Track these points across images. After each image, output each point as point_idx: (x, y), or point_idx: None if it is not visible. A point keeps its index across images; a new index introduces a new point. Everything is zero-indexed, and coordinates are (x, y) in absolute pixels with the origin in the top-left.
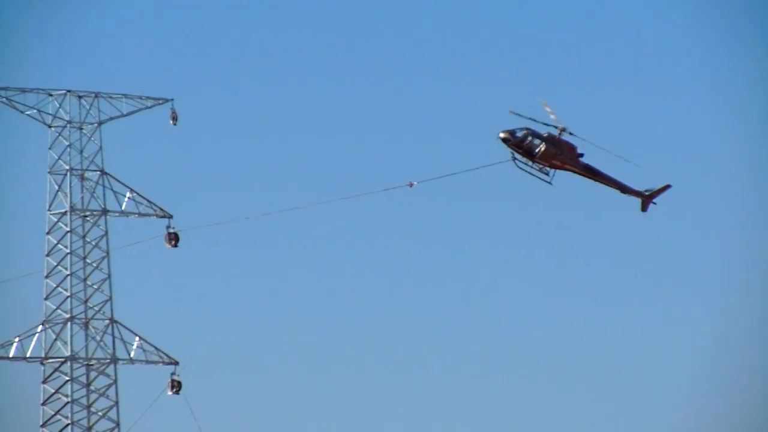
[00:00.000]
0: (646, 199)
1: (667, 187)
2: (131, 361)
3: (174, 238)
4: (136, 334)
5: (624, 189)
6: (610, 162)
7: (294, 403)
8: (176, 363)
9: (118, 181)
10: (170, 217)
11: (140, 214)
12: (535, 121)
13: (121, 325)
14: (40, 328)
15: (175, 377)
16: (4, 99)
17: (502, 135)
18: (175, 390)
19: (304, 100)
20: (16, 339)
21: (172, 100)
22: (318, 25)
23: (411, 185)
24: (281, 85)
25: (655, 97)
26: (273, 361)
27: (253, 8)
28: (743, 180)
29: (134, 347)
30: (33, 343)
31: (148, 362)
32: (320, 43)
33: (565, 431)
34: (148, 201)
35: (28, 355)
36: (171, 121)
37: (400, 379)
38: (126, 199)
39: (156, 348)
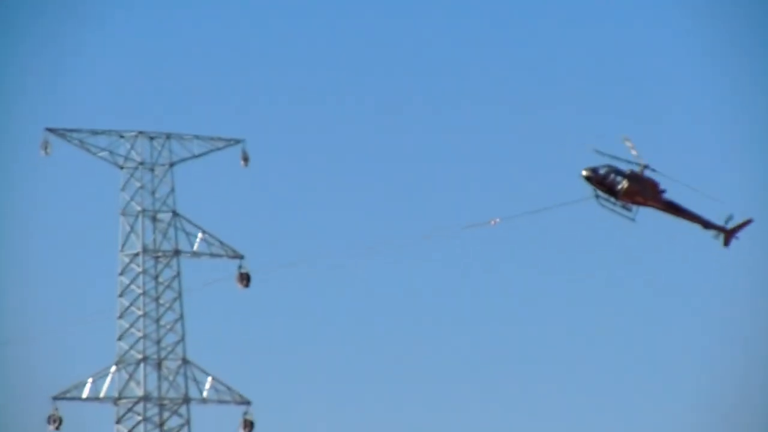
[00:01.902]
0: (729, 233)
1: (749, 221)
2: (204, 400)
3: (245, 279)
4: (209, 374)
5: (706, 224)
6: (692, 196)
7: None
8: (248, 403)
9: (190, 222)
10: (241, 257)
11: (212, 255)
12: (618, 159)
13: (194, 365)
14: (113, 368)
15: (248, 417)
16: (77, 141)
17: (584, 173)
18: (247, 430)
19: (378, 136)
20: (90, 380)
21: (243, 140)
22: (391, 68)
23: (494, 222)
24: (354, 123)
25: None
26: (345, 401)
27: (328, 48)
28: None
29: (207, 387)
30: (106, 383)
31: (220, 402)
32: (391, 81)
33: None
34: (220, 242)
35: (101, 396)
36: (242, 162)
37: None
38: (198, 239)
39: (228, 388)
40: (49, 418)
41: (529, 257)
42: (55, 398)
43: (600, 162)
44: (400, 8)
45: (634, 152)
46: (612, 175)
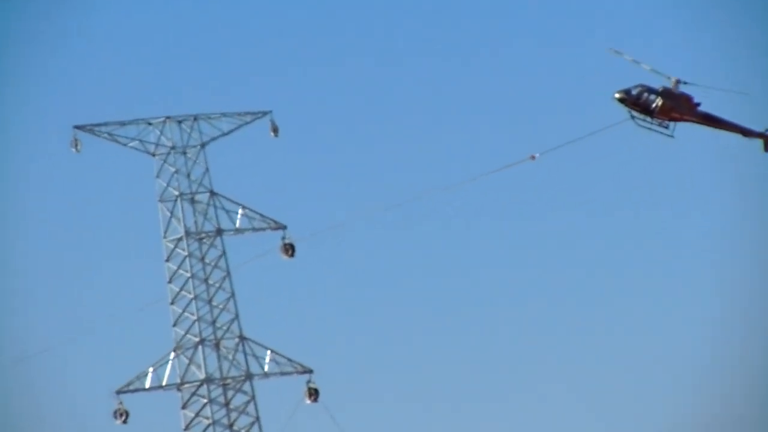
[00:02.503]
0: None
1: None
2: (266, 375)
3: (290, 249)
4: (268, 348)
5: (746, 132)
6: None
7: (428, 402)
8: (310, 371)
9: (229, 199)
10: (284, 227)
11: (255, 229)
12: (636, 62)
13: (252, 341)
14: (172, 355)
15: (312, 385)
16: (106, 134)
17: (617, 95)
18: (313, 398)
19: (407, 88)
20: (150, 369)
21: (271, 112)
22: (424, 26)
23: (533, 158)
24: (384, 78)
25: None
26: (404, 360)
27: (347, 12)
28: None
29: (267, 361)
30: (167, 371)
31: (282, 374)
32: (422, 39)
33: None
34: (261, 215)
35: (164, 384)
36: (272, 133)
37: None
38: (239, 216)
39: (289, 359)
40: (115, 412)
41: (575, 187)
42: (119, 392)
43: (619, 63)
44: None
45: (645, 66)
46: (645, 95)
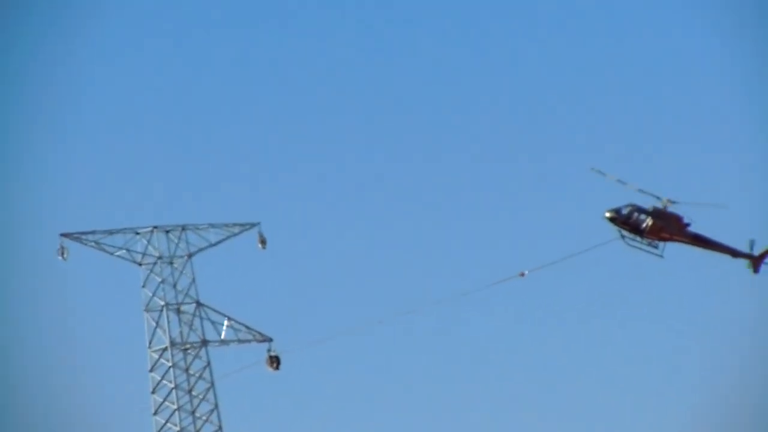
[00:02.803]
0: (757, 260)
1: None
2: None
3: (275, 361)
4: None
5: (734, 253)
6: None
7: None
8: None
9: (215, 310)
10: (270, 340)
11: (240, 341)
12: (621, 182)
13: None
14: None
15: None
16: (93, 243)
17: (608, 214)
18: None
19: (396, 197)
20: None
21: (259, 224)
22: (402, 142)
23: (523, 275)
24: (371, 190)
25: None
26: None
27: (328, 128)
28: None
29: None
30: None
31: None
32: (405, 147)
33: None
34: (246, 327)
35: None
36: (260, 245)
37: None
38: (224, 327)
39: None
40: None
41: (562, 306)
42: None
43: (603, 183)
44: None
45: (611, 178)
46: (635, 214)
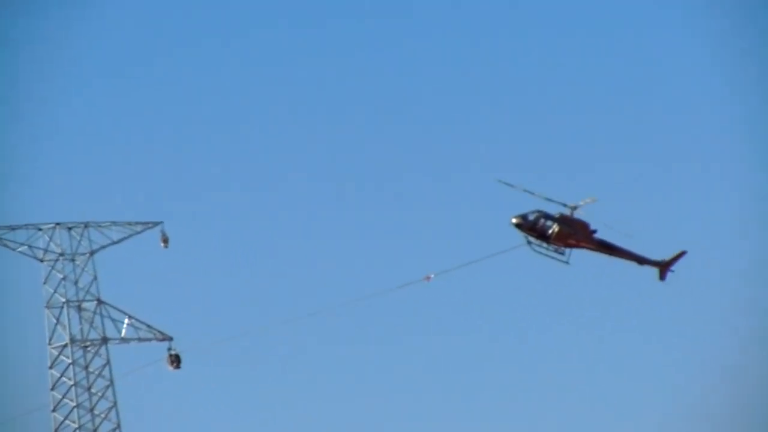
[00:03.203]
0: (664, 267)
1: (683, 253)
2: None
3: (176, 360)
4: None
5: (641, 260)
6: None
7: None
8: None
9: (116, 308)
10: (170, 339)
11: (140, 339)
12: (527, 191)
13: None
14: None
15: None
16: None
17: (514, 220)
18: None
19: (299, 198)
20: None
21: (162, 222)
22: (319, 129)
23: (429, 278)
24: (273, 189)
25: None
26: None
27: (229, 122)
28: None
29: None
30: None
31: None
32: (314, 139)
33: None
34: (147, 325)
35: None
36: (162, 244)
37: None
38: (125, 325)
39: None
40: None
41: (469, 311)
42: None
43: (510, 194)
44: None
45: (538, 195)
46: (542, 220)
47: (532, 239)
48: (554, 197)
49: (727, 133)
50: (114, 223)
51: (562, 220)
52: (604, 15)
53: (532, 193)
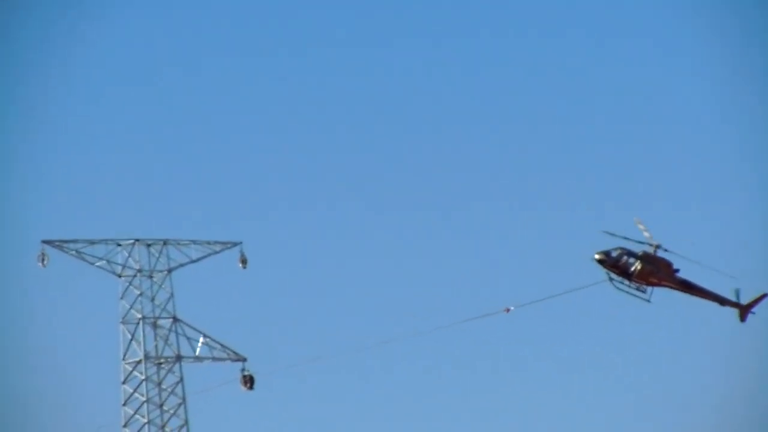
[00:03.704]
0: (744, 309)
1: (765, 296)
2: None
3: (249, 381)
4: None
5: (722, 301)
6: (706, 274)
7: None
8: None
9: (191, 326)
10: (244, 360)
11: (214, 359)
12: (629, 240)
13: None
14: None
15: None
16: (74, 252)
17: (597, 256)
18: None
19: (378, 227)
20: None
21: (241, 243)
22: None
23: (508, 311)
24: (351, 214)
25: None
26: None
27: (312, 149)
28: None
29: None
30: None
31: None
32: (380, 175)
33: None
34: (222, 345)
35: None
36: (240, 264)
37: None
38: (199, 344)
39: None
40: None
41: (547, 344)
42: None
43: (612, 244)
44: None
45: (646, 233)
46: (625, 257)
47: (614, 276)
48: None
49: None
50: (193, 242)
51: (645, 258)
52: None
53: (629, 239)
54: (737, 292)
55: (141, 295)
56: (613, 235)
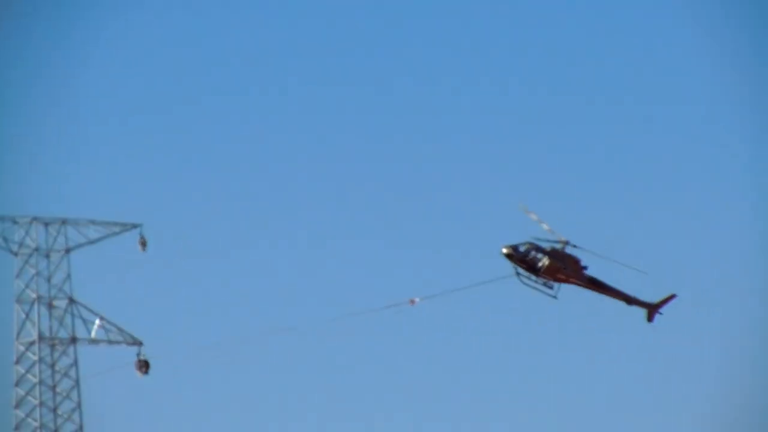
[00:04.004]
0: (652, 309)
1: (673, 296)
2: None
3: (145, 366)
4: None
5: (629, 300)
6: (617, 272)
7: None
8: None
9: (87, 308)
10: (140, 344)
11: (110, 342)
12: (541, 222)
13: None
14: None
15: None
16: None
17: (505, 250)
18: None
19: (282, 210)
20: None
21: (141, 225)
22: (306, 136)
23: (413, 302)
24: (261, 198)
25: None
26: None
27: (217, 123)
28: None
29: None
30: None
31: None
32: (305, 146)
33: None
34: (118, 328)
35: None
36: (140, 247)
37: None
38: (95, 326)
39: None
40: None
41: (450, 337)
42: None
43: (527, 221)
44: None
45: (545, 226)
46: (533, 252)
47: (521, 270)
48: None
49: None
50: (92, 222)
51: (554, 254)
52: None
53: (544, 224)
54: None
55: (37, 274)
56: (529, 212)
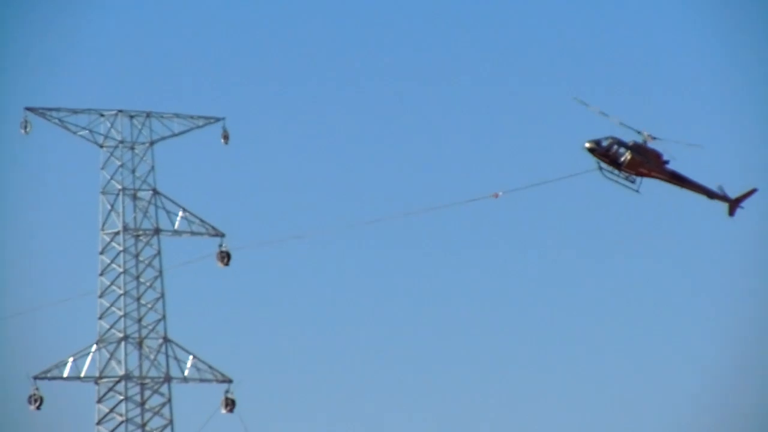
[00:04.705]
0: (733, 203)
1: (754, 190)
2: (185, 379)
3: (226, 257)
4: (190, 353)
5: (711, 194)
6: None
7: (345, 419)
8: (230, 381)
9: (171, 200)
10: (222, 235)
11: (192, 233)
12: (604, 115)
13: (175, 344)
14: (94, 347)
15: (229, 395)
16: (57, 120)
17: (588, 145)
18: (229, 408)
19: (363, 113)
20: (71, 359)
21: (224, 119)
22: (381, 47)
23: (496, 195)
24: (343, 97)
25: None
26: (325, 378)
27: (308, 30)
28: None
29: (188, 366)
30: (87, 362)
31: (201, 381)
32: (374, 63)
33: None
34: (201, 220)
35: (82, 375)
36: (222, 140)
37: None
38: (178, 218)
39: (210, 366)
40: (30, 397)
41: (533, 231)
42: (36, 378)
43: (584, 112)
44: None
45: (592, 109)
46: (615, 147)
47: (603, 165)
48: (629, 123)
49: None
50: (177, 115)
51: (636, 148)
52: None
53: (607, 116)
54: (720, 189)
55: (122, 166)
56: (584, 103)
